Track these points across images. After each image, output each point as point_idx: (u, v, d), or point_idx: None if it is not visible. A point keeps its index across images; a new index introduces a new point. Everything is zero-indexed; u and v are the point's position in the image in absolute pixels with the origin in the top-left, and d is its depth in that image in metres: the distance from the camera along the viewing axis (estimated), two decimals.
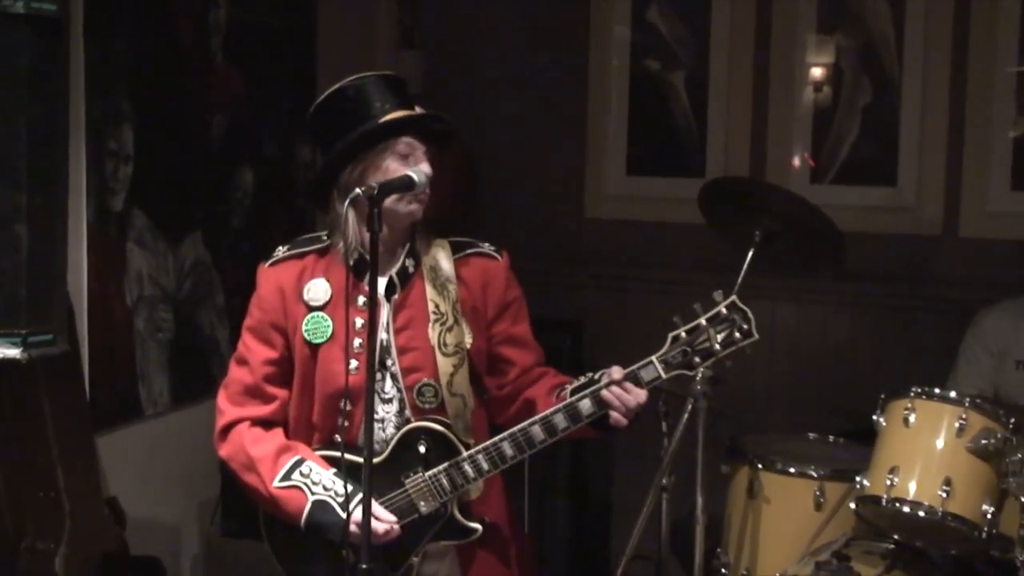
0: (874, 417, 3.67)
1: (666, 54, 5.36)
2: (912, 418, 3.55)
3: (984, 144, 4.88)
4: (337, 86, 2.90)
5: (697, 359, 2.75)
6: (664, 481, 3.98)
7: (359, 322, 2.85)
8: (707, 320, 2.76)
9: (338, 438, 2.86)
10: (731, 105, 5.25)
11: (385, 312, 2.87)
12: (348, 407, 2.80)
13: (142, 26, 4.14)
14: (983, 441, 3.42)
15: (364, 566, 2.53)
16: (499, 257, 2.98)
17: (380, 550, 2.74)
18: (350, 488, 2.69)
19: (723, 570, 4.07)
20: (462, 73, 5.54)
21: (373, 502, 2.74)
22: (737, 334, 2.75)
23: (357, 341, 2.85)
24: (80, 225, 3.91)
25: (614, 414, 2.76)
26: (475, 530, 2.85)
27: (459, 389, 2.85)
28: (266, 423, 2.96)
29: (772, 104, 5.20)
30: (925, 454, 3.52)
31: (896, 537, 3.67)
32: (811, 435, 4.32)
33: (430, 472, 2.81)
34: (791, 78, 5.15)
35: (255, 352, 2.95)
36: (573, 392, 2.82)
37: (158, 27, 4.23)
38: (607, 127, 5.45)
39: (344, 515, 2.68)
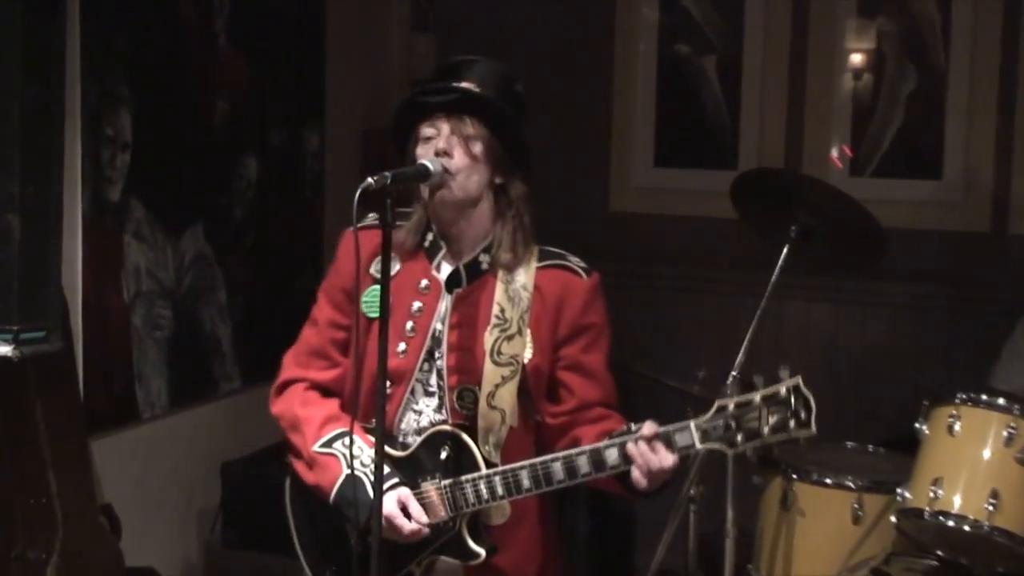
0: (916, 425, 3.66)
1: (697, 38, 5.35)
2: (957, 426, 3.54)
3: None
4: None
5: (740, 437, 2.59)
6: (692, 492, 3.98)
7: (416, 305, 2.87)
8: (762, 398, 2.59)
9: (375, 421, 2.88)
10: (766, 92, 5.24)
11: (445, 303, 2.88)
12: (389, 389, 2.82)
13: (142, 6, 4.16)
14: None
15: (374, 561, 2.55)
16: (584, 276, 2.90)
17: (387, 547, 2.74)
18: (386, 471, 2.69)
19: None
20: (477, 55, 5.54)
21: (411, 497, 2.77)
22: (792, 422, 2.56)
23: (410, 324, 2.86)
24: (75, 216, 3.93)
25: (634, 471, 2.67)
26: (478, 555, 2.82)
27: (500, 403, 2.81)
28: (324, 390, 2.98)
29: (809, 92, 5.19)
30: (971, 464, 3.50)
31: (939, 553, 3.66)
32: (849, 444, 4.31)
33: (446, 481, 2.81)
34: (830, 64, 5.14)
35: (324, 313, 2.99)
36: (611, 439, 2.74)
37: (159, 7, 4.25)
38: (633, 115, 5.44)
39: (372, 497, 2.69)
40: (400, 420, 2.87)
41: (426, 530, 2.78)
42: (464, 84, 2.82)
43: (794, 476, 4.00)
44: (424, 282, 2.88)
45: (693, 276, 5.29)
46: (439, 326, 2.86)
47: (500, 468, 2.77)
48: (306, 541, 3.01)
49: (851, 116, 5.14)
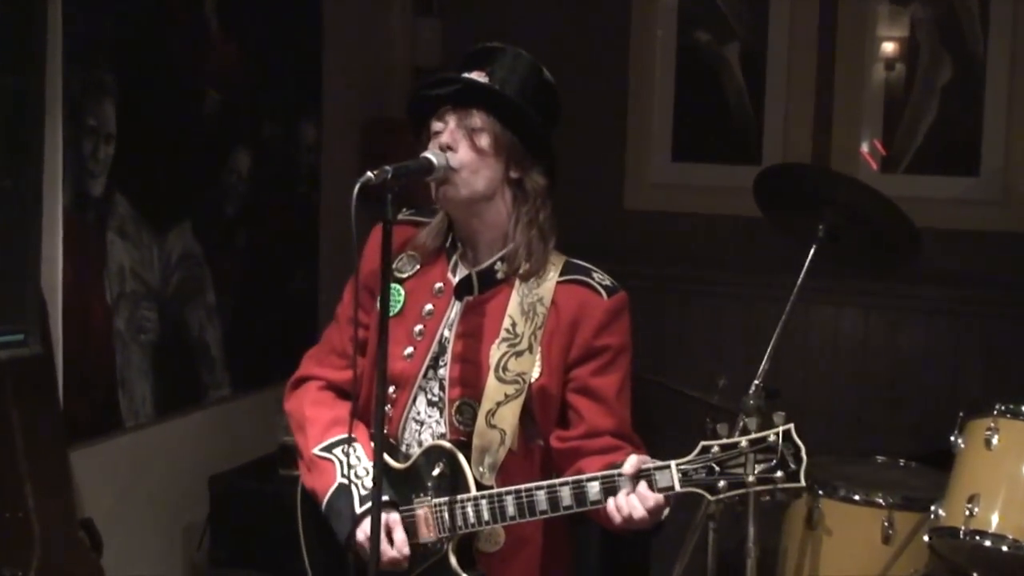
0: (951, 438, 3.66)
1: (718, 24, 5.35)
2: (995, 440, 3.53)
3: None
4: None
5: (722, 483, 2.54)
6: (711, 508, 3.97)
7: (427, 308, 2.89)
8: (750, 442, 2.54)
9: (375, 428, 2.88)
10: (792, 83, 5.24)
11: (454, 310, 2.88)
12: (394, 394, 2.84)
13: None
14: None
15: None
16: (604, 295, 2.86)
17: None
18: (376, 488, 2.66)
19: None
20: (488, 42, 5.53)
21: (398, 524, 2.78)
22: (779, 472, 2.50)
23: (419, 327, 2.88)
24: (55, 212, 3.93)
25: (609, 505, 2.62)
26: None
27: (501, 423, 2.80)
28: (341, 391, 3.00)
29: (839, 82, 5.18)
30: (1010, 481, 3.50)
31: (975, 574, 3.65)
32: (879, 458, 4.31)
33: (437, 500, 2.81)
34: (860, 53, 5.13)
35: (346, 309, 3.00)
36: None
37: None
38: (650, 107, 5.44)
39: (359, 509, 2.72)
40: (403, 429, 2.87)
41: (405, 563, 2.79)
42: (474, 74, 2.81)
43: (820, 492, 3.99)
44: (439, 284, 2.89)
45: (713, 279, 5.29)
46: (446, 332, 2.87)
47: (487, 492, 2.75)
48: (314, 549, 3.02)
49: (883, 109, 5.14)
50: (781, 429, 2.53)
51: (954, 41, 5.03)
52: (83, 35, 3.97)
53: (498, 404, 2.80)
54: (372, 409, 2.87)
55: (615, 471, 2.63)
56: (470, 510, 2.75)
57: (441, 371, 2.86)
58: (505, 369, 2.81)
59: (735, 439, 2.56)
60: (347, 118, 5.40)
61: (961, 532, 3.49)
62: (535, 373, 2.83)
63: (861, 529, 3.93)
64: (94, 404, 4.13)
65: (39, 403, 3.71)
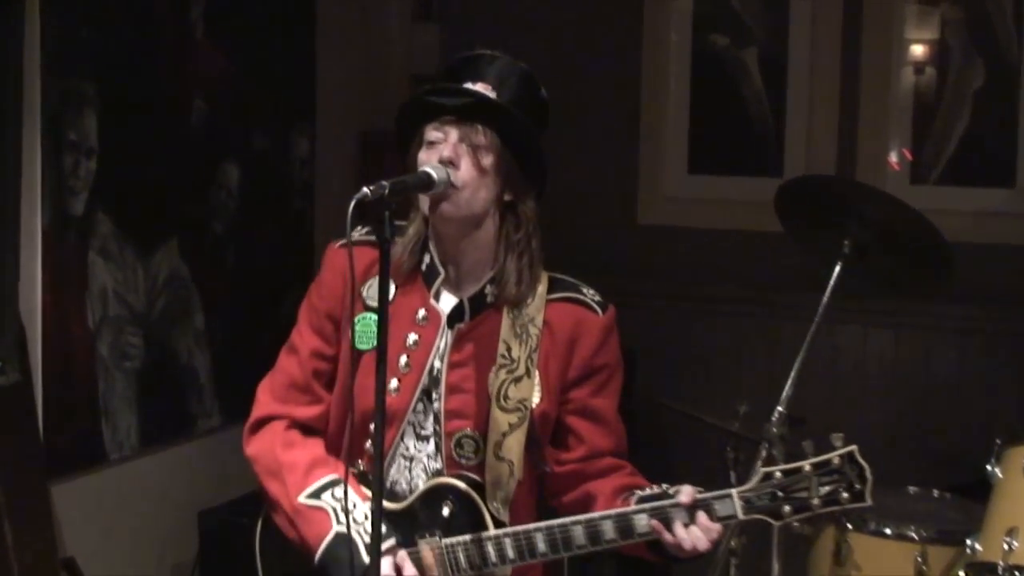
0: (988, 468, 3.65)
1: (736, 27, 5.36)
2: None
3: None
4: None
5: (787, 508, 2.68)
6: (733, 543, 3.97)
7: (412, 338, 2.86)
8: (812, 466, 2.68)
9: (361, 465, 2.87)
10: (814, 88, 5.25)
11: (445, 339, 2.88)
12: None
13: None
14: None
15: None
16: (599, 312, 2.89)
17: None
18: (382, 530, 2.67)
19: None
20: (489, 50, 5.55)
21: (406, 560, 2.77)
22: (845, 493, 2.67)
23: (404, 359, 2.85)
24: (34, 231, 3.94)
25: (667, 538, 2.70)
26: None
27: (509, 454, 2.81)
28: (306, 428, 2.97)
29: (864, 88, 5.19)
30: None
31: None
32: (912, 489, 4.30)
33: (447, 540, 2.80)
34: (887, 57, 5.14)
35: (307, 341, 2.97)
36: (641, 502, 2.76)
37: None
38: (665, 115, 5.45)
39: (366, 559, 2.68)
40: (389, 467, 2.85)
41: None
42: (479, 86, 2.80)
43: (849, 526, 3.98)
44: (422, 312, 2.86)
45: (733, 298, 5.29)
46: (438, 363, 2.85)
47: (511, 529, 2.77)
48: None
49: (912, 116, 5.14)
50: (844, 451, 2.68)
51: (987, 43, 5.04)
52: (62, 43, 3.99)
53: (503, 435, 2.81)
54: (343, 444, 2.88)
55: (668, 502, 2.69)
56: (490, 548, 2.76)
57: (435, 404, 2.85)
58: (506, 397, 2.82)
59: (797, 464, 2.68)
60: (342, 129, 5.41)
61: (999, 568, 3.48)
62: (536, 398, 2.84)
63: (892, 565, 3.92)
64: (76, 435, 4.14)
65: (18, 434, 3.72)
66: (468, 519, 2.80)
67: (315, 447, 2.93)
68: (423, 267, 2.88)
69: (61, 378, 4.05)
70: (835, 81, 5.22)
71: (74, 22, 4.04)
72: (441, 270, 2.86)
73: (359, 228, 2.92)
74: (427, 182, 2.69)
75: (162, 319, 4.46)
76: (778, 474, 2.69)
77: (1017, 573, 3.45)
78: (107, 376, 4.23)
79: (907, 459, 4.90)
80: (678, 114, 5.44)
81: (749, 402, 4.16)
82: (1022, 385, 4.93)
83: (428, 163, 2.74)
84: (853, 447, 2.68)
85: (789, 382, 3.92)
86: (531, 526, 2.75)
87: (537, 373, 2.84)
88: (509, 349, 2.83)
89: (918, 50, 5.13)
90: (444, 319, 2.86)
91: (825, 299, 3.91)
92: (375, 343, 2.77)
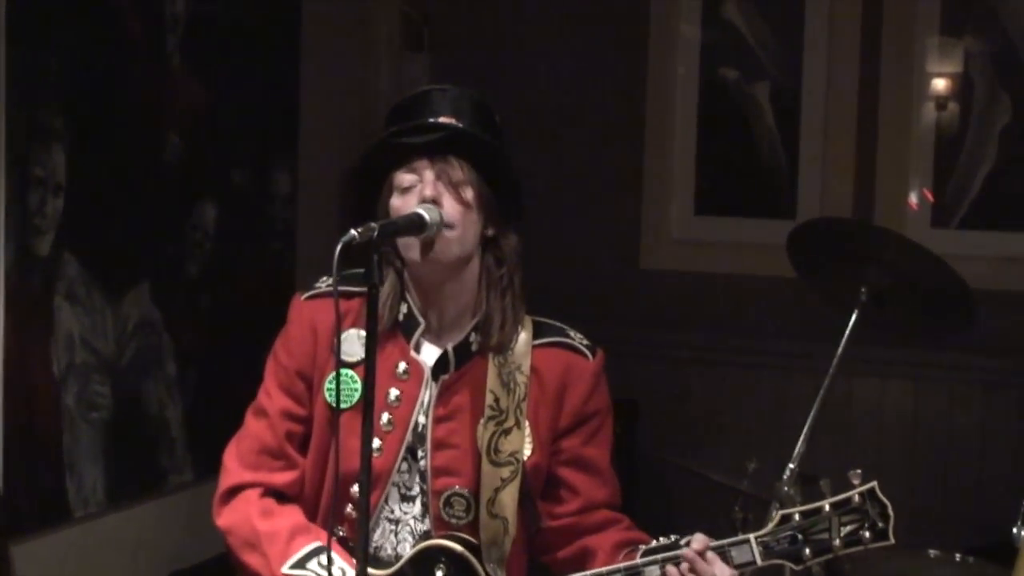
0: (1014, 530, 3.65)
1: (746, 60, 5.39)
2: None
3: None
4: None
5: (808, 552, 2.71)
6: None
7: (393, 393, 2.86)
8: (832, 506, 2.73)
9: (341, 531, 2.86)
10: (830, 125, 5.27)
11: (428, 392, 2.87)
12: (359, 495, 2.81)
13: (80, 22, 4.19)
14: None
15: None
16: (590, 356, 2.92)
17: None
18: None
19: None
20: (482, 82, 5.55)
21: None
22: (867, 532, 2.71)
23: (386, 416, 2.85)
24: None
25: None
26: None
27: (503, 510, 2.82)
28: (281, 495, 2.96)
29: (883, 125, 5.21)
30: None
31: None
32: (932, 552, 4.29)
33: None
34: (907, 92, 5.17)
35: (277, 402, 2.96)
36: (648, 555, 2.76)
37: (100, 23, 4.28)
38: (670, 153, 5.47)
39: None
40: (373, 531, 2.85)
41: None
42: (442, 119, 2.79)
43: None
44: (403, 365, 2.86)
45: (742, 348, 5.29)
46: (422, 419, 2.85)
47: None
48: None
49: (933, 154, 5.17)
50: (865, 488, 2.72)
51: (1012, 78, 5.07)
52: (28, 73, 4.00)
53: (496, 491, 2.81)
54: (322, 508, 2.88)
55: (680, 551, 2.70)
56: None
57: (421, 462, 2.85)
58: (497, 450, 2.83)
59: (816, 504, 2.72)
60: (326, 165, 5.41)
61: None
62: (527, 451, 2.85)
63: None
64: (38, 491, 4.13)
65: None
66: None
67: (294, 514, 2.92)
68: (400, 318, 2.87)
69: (23, 430, 4.05)
70: (852, 117, 5.24)
71: (42, 52, 4.05)
72: (421, 320, 2.86)
73: (323, 279, 2.94)
74: (419, 223, 2.68)
75: (132, 367, 4.46)
76: (796, 516, 2.72)
77: None
78: (72, 427, 4.23)
79: (927, 520, 4.89)
80: (684, 151, 5.46)
81: (759, 459, 4.15)
82: None
83: (404, 209, 2.73)
84: (873, 483, 2.73)
85: (802, 437, 3.93)
86: None
87: (527, 423, 2.85)
88: (497, 400, 2.84)
89: (940, 84, 5.15)
90: (428, 371, 2.85)
91: (840, 349, 3.92)
92: (353, 402, 2.79)
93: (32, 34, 4.00)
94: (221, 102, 4.80)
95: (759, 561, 2.71)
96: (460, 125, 2.79)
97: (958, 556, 4.27)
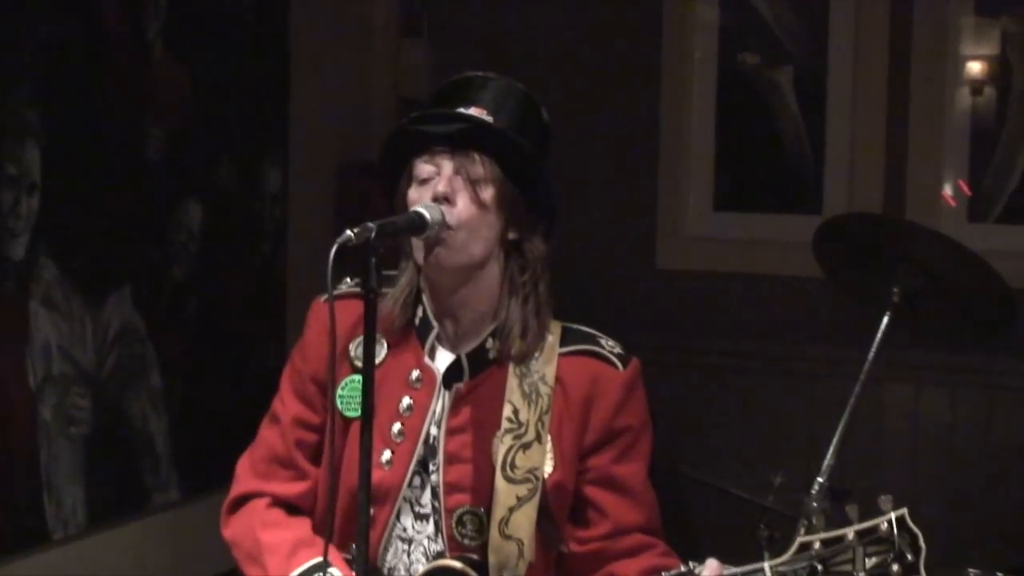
0: None
1: (768, 44, 5.39)
2: None
3: None
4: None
5: None
6: None
7: (405, 402, 2.85)
8: (857, 534, 2.62)
9: (356, 548, 2.86)
10: (858, 113, 5.27)
11: (441, 401, 2.87)
12: (372, 511, 2.80)
13: (54, 8, 4.19)
14: None
15: None
16: (620, 366, 2.87)
17: None
18: None
19: None
20: (485, 69, 5.56)
21: None
22: (895, 566, 2.59)
23: (397, 426, 2.84)
24: None
25: None
26: None
27: (517, 531, 2.79)
28: (291, 507, 2.96)
29: (914, 112, 5.21)
30: None
31: None
32: (972, 571, 4.29)
33: None
34: (940, 77, 5.16)
35: (289, 409, 2.96)
36: None
37: (77, 9, 4.28)
38: (687, 145, 5.47)
39: None
40: (384, 550, 2.85)
41: None
42: (472, 111, 2.80)
43: None
44: (416, 372, 2.85)
45: (766, 352, 5.29)
46: (434, 430, 2.84)
47: None
48: None
49: (969, 143, 5.16)
50: (894, 515, 2.58)
51: None
52: (0, 66, 4.00)
53: (511, 510, 2.80)
54: (336, 526, 2.84)
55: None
56: None
57: (433, 477, 2.85)
58: (513, 466, 2.81)
59: (839, 531, 2.61)
60: (319, 160, 5.42)
61: None
62: (548, 467, 2.83)
63: None
64: (14, 512, 4.13)
65: None
66: None
67: (300, 527, 2.92)
68: (416, 321, 2.87)
69: None
70: (881, 104, 5.24)
71: (13, 42, 4.05)
72: (435, 324, 2.85)
73: (347, 279, 2.92)
74: (419, 224, 2.67)
75: (113, 378, 4.46)
76: (817, 544, 2.62)
77: None
78: (50, 444, 4.23)
79: (966, 536, 4.89)
80: (702, 144, 5.46)
81: (785, 472, 4.15)
82: None
83: (420, 201, 2.73)
84: (903, 510, 2.60)
85: (831, 449, 3.92)
86: None
87: (549, 438, 2.83)
88: (516, 411, 2.82)
89: (975, 68, 5.15)
90: (439, 379, 2.85)
91: (871, 354, 3.92)
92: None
93: (4, 25, 4.00)
94: (206, 93, 4.80)
95: None
96: (488, 119, 2.78)
97: (999, 575, 4.27)
